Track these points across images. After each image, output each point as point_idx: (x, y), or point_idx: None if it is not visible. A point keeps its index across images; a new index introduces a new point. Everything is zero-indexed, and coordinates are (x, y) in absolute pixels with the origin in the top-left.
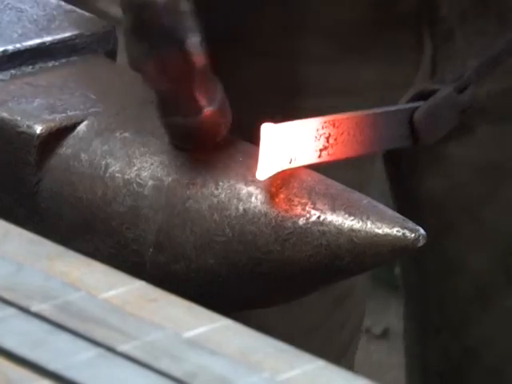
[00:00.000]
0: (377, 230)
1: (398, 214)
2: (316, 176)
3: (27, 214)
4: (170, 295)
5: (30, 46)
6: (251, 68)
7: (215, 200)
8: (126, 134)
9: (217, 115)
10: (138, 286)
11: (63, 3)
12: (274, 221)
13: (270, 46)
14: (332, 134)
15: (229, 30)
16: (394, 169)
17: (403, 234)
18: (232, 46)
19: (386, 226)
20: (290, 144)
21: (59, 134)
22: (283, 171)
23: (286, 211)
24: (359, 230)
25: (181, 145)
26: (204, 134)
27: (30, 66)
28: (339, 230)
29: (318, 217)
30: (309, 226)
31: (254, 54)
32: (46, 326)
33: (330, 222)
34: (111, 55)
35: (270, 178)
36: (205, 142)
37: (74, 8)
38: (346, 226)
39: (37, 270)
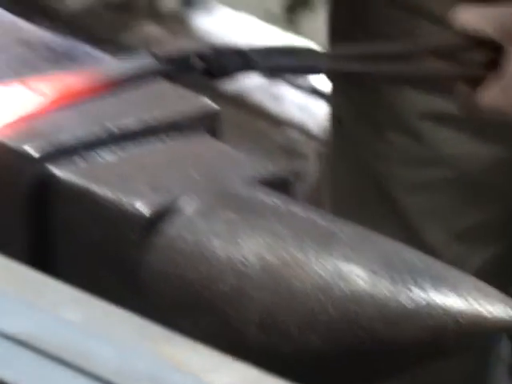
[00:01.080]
0: (482, 311)
1: (500, 293)
2: (417, 254)
3: (130, 294)
4: (274, 378)
5: (134, 125)
6: None
7: (319, 280)
8: (231, 214)
9: None
10: (243, 368)
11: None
12: (378, 301)
13: None
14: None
15: None
16: None
17: (509, 315)
18: None
19: (491, 306)
20: None
21: (163, 213)
22: None
23: (391, 292)
24: (465, 311)
25: None
26: None
27: (134, 145)
28: (446, 312)
29: (424, 298)
30: (415, 307)
31: None
32: None
33: (436, 303)
34: (215, 133)
35: (374, 257)
36: None
37: (178, 87)
38: (452, 306)
39: (142, 352)
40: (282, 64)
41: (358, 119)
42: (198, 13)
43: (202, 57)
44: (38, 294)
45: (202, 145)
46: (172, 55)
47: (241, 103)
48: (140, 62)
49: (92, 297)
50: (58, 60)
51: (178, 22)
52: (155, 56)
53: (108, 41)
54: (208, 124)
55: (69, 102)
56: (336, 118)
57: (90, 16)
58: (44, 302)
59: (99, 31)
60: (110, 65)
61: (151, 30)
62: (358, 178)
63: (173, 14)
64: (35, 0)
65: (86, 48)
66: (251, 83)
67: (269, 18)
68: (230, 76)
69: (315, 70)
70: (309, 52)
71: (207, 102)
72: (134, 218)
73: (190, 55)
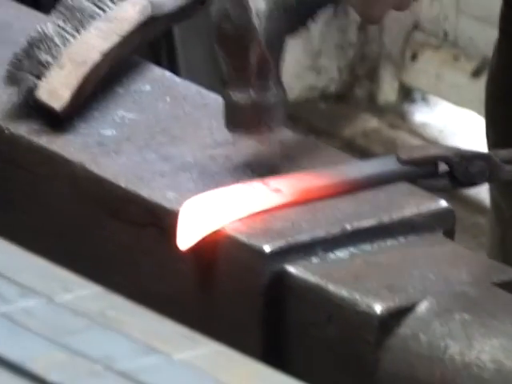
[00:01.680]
0: None
1: None
2: None
3: None
4: None
5: (369, 224)
6: None
7: None
8: (466, 316)
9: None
10: None
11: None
12: None
13: None
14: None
15: None
16: None
17: None
18: None
19: None
20: (213, 210)
21: (398, 314)
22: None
23: None
24: None
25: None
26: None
27: (369, 244)
28: None
29: None
30: None
31: None
32: None
33: None
34: (449, 234)
35: None
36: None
37: (417, 189)
38: None
39: None
40: None
41: None
42: (417, 106)
43: (447, 161)
44: None
45: (436, 245)
46: (416, 159)
47: (457, 197)
48: (383, 164)
49: None
50: (295, 157)
51: (396, 115)
52: (399, 159)
53: (325, 132)
54: (443, 224)
55: (307, 200)
56: (510, 216)
57: (307, 107)
58: None
59: (317, 123)
60: (353, 165)
61: (369, 122)
62: None
63: (392, 107)
64: None
65: (326, 147)
66: None
67: None
68: (476, 184)
69: None
70: None
71: (443, 203)
72: (368, 317)
73: (434, 159)
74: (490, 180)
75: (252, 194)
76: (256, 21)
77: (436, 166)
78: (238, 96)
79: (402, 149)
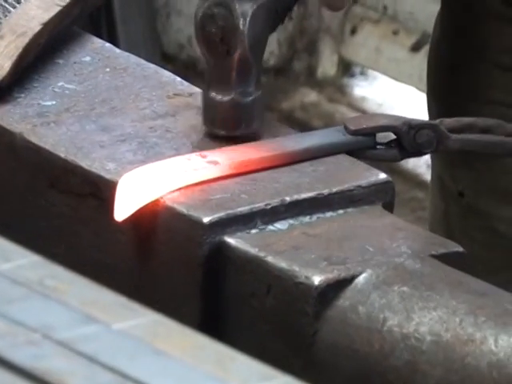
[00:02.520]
0: None
1: None
2: None
3: (303, 365)
4: None
5: (308, 196)
6: None
7: (494, 358)
8: (405, 288)
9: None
10: None
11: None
12: None
13: None
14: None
15: None
16: None
17: None
18: None
19: None
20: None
21: (337, 286)
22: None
23: None
24: None
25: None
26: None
27: (308, 216)
28: None
29: None
30: None
31: None
32: None
33: None
34: (388, 207)
35: None
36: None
37: (357, 161)
38: None
39: None
40: (474, 139)
41: (481, 189)
42: (357, 81)
43: (394, 131)
44: (226, 370)
45: (375, 217)
46: (365, 129)
47: (396, 171)
48: (327, 135)
49: (279, 372)
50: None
51: (335, 89)
52: (348, 130)
53: (265, 106)
54: (382, 197)
55: (246, 173)
56: (455, 191)
57: None
58: (233, 378)
59: None
60: (294, 137)
61: (309, 96)
62: (482, 247)
63: (331, 81)
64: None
65: (267, 121)
66: None
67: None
68: (423, 152)
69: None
70: (498, 126)
71: (382, 175)
72: (307, 289)
73: (383, 130)
74: (437, 149)
75: (189, 167)
76: (241, 23)
77: (383, 135)
78: (220, 96)
79: (350, 119)
